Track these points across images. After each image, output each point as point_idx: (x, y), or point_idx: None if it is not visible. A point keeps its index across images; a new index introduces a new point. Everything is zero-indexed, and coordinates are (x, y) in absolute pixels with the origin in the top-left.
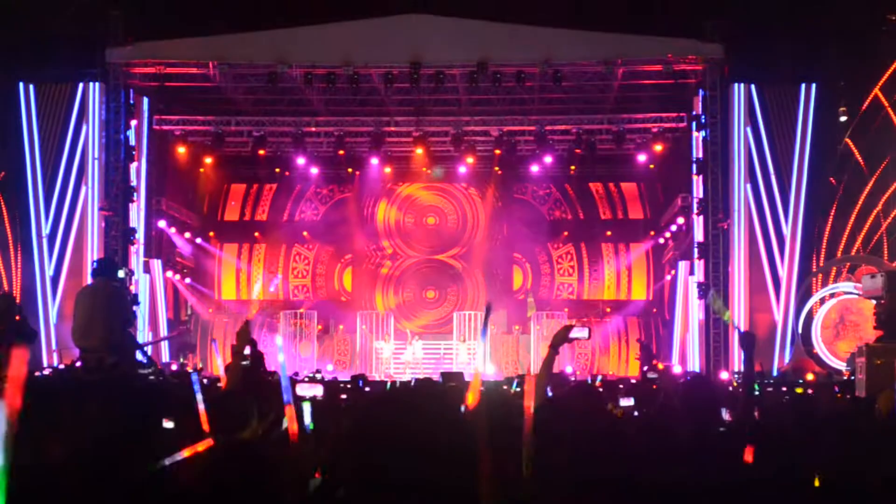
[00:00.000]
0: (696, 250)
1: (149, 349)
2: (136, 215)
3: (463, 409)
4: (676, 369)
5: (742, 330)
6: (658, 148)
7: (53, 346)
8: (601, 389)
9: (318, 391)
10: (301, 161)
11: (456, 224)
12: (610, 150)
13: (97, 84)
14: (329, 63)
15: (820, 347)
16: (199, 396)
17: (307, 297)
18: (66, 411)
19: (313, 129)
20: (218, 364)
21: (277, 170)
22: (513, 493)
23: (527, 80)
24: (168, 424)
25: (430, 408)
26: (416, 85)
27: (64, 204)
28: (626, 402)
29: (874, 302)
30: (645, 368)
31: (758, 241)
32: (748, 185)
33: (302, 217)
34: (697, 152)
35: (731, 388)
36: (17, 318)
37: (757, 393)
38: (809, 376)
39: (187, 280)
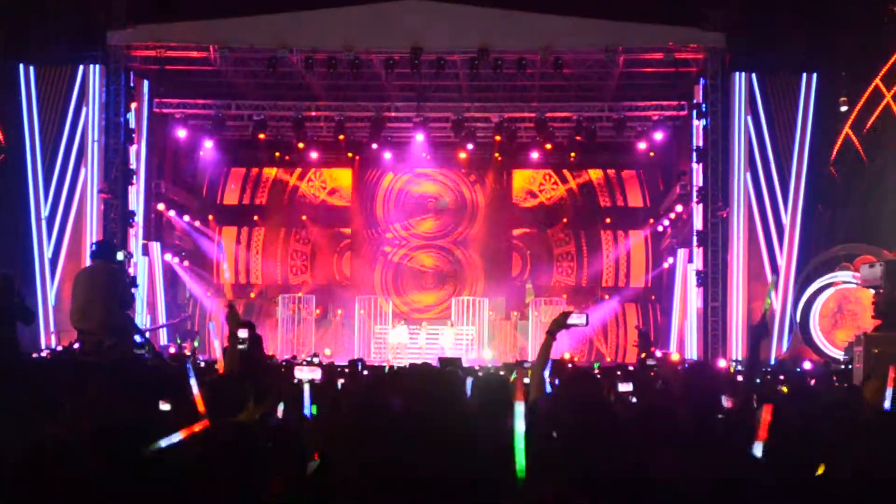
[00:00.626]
0: (695, 238)
1: (147, 333)
2: (136, 198)
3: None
4: (674, 356)
5: (762, 322)
6: (658, 136)
7: (52, 328)
8: (599, 376)
9: (316, 375)
10: (301, 145)
11: (455, 210)
12: (610, 138)
13: (97, 66)
14: (330, 48)
15: (818, 336)
16: (193, 381)
17: (305, 282)
18: (64, 392)
19: (313, 113)
20: (216, 347)
21: (277, 154)
22: (510, 479)
23: (527, 66)
24: (165, 406)
25: (427, 392)
26: (417, 71)
27: (63, 186)
28: (625, 387)
29: (872, 291)
30: (643, 355)
31: (757, 230)
32: (748, 174)
33: (301, 201)
34: (697, 140)
35: (730, 376)
36: (15, 298)
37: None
38: (807, 365)
39: (186, 263)
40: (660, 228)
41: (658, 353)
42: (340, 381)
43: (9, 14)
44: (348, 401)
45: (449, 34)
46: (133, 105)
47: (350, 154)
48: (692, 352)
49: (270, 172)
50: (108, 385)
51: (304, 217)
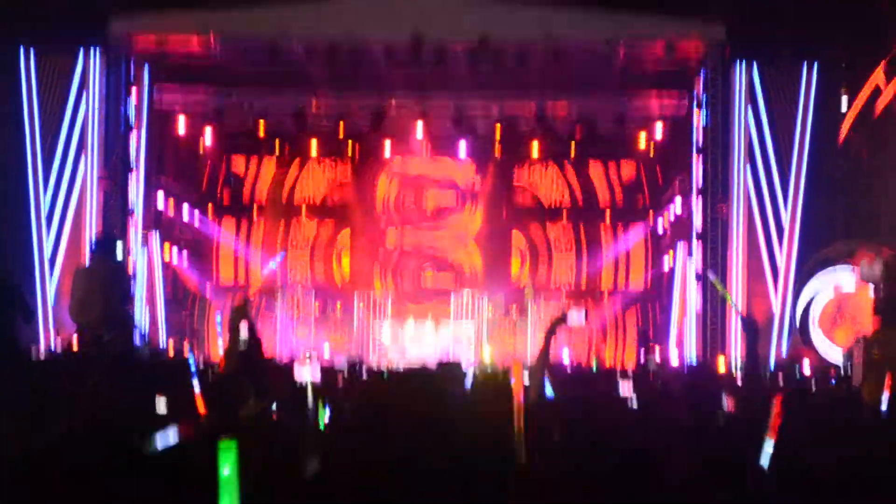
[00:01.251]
0: (693, 234)
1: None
2: (135, 187)
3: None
4: (673, 354)
5: (742, 315)
6: (659, 128)
7: (51, 325)
8: (598, 377)
9: (316, 375)
10: (301, 136)
11: (455, 204)
12: (610, 131)
13: (98, 53)
14: (330, 36)
15: (817, 337)
16: (196, 380)
17: (304, 277)
18: (62, 388)
19: (314, 102)
20: (218, 346)
21: (277, 144)
22: (509, 478)
23: (527, 57)
24: (161, 403)
25: (425, 398)
26: (418, 60)
27: (63, 175)
28: (625, 387)
29: (872, 289)
30: (643, 356)
31: (756, 226)
32: (748, 168)
33: (301, 194)
34: (698, 133)
35: (730, 377)
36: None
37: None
38: (806, 366)
39: (184, 253)
40: (659, 225)
41: (657, 353)
42: (341, 378)
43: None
44: (348, 405)
45: (450, 24)
46: (133, 92)
47: (350, 143)
48: (692, 350)
49: (270, 163)
50: (107, 379)
51: (303, 210)
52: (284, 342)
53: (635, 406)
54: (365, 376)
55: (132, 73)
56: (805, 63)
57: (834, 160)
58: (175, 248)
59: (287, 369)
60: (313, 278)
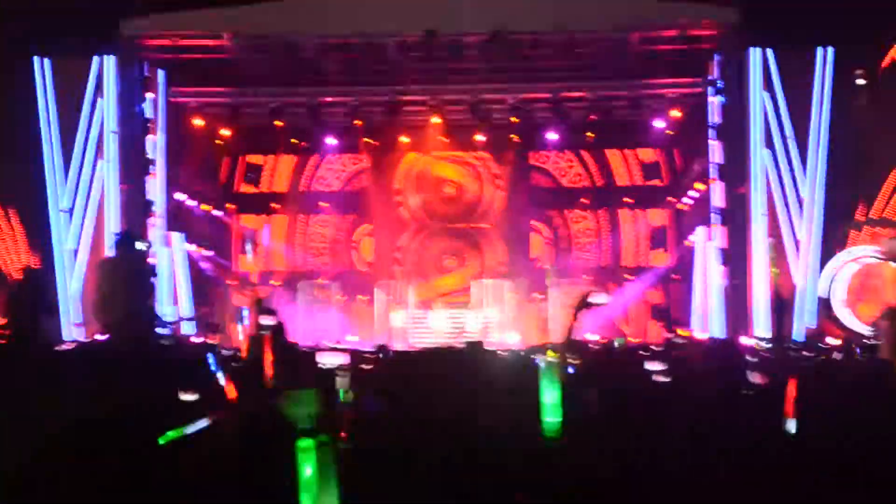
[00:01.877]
0: (713, 216)
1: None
2: (154, 188)
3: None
4: (698, 335)
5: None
6: (675, 114)
7: (74, 320)
8: (625, 355)
9: (342, 360)
10: (318, 131)
11: (474, 192)
12: (627, 117)
13: (112, 57)
14: (343, 33)
15: (842, 311)
16: (220, 374)
17: (326, 268)
18: (88, 382)
19: (329, 99)
20: (239, 334)
21: (294, 140)
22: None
23: (541, 47)
24: (187, 396)
25: (452, 375)
26: (431, 54)
27: (81, 178)
28: (652, 365)
29: (894, 265)
30: (667, 334)
31: (776, 207)
32: (766, 151)
33: (319, 187)
34: (714, 118)
35: (756, 352)
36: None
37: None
38: (832, 340)
39: (209, 253)
40: (679, 207)
41: (683, 332)
42: (366, 367)
43: (23, 7)
44: (375, 386)
45: (462, 16)
46: (149, 95)
47: (366, 139)
48: (715, 330)
49: (288, 159)
50: (132, 373)
51: (322, 203)
52: (308, 331)
53: (663, 381)
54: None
55: (147, 76)
56: (820, 47)
57: (851, 140)
58: (196, 245)
59: (312, 355)
60: (335, 269)
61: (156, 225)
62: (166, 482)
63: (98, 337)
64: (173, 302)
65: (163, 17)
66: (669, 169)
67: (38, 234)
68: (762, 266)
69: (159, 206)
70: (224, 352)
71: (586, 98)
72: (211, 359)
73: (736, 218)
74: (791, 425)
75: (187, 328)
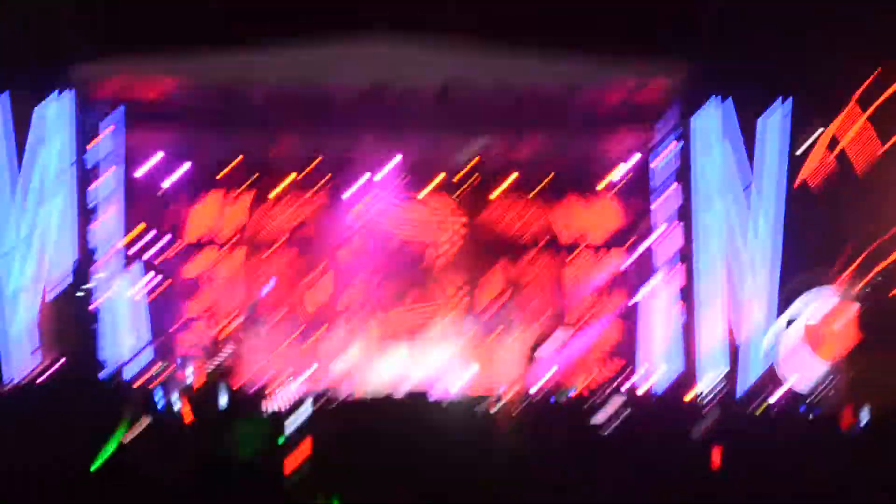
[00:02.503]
0: (668, 264)
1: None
2: (107, 227)
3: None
4: (647, 383)
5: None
6: (630, 163)
7: (20, 359)
8: (573, 404)
9: (293, 398)
10: (273, 171)
11: (429, 235)
12: (579, 170)
13: (66, 98)
14: (294, 83)
15: (794, 362)
16: (172, 406)
17: (280, 306)
18: (39, 418)
19: (283, 146)
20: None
21: (249, 183)
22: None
23: (491, 102)
24: (136, 429)
25: (397, 428)
26: (384, 104)
27: (36, 217)
28: (598, 419)
29: (854, 307)
30: (616, 383)
31: (733, 255)
32: (722, 199)
33: (275, 229)
34: (668, 168)
35: (698, 405)
36: None
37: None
38: (781, 392)
39: (158, 289)
40: (633, 256)
41: (629, 381)
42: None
43: None
44: (326, 433)
45: (412, 72)
46: (102, 135)
47: (321, 183)
48: (667, 377)
49: (246, 198)
50: (81, 408)
51: (277, 243)
52: (261, 369)
53: (608, 433)
54: (335, 404)
55: (101, 116)
56: (779, 97)
57: (808, 192)
58: (149, 285)
59: (262, 392)
60: (290, 308)
61: (107, 263)
62: None
63: (41, 377)
64: (124, 341)
65: (117, 60)
66: (623, 218)
67: None
68: (720, 317)
69: (111, 245)
70: (177, 387)
71: (540, 149)
72: (160, 395)
73: (690, 267)
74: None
75: (137, 366)
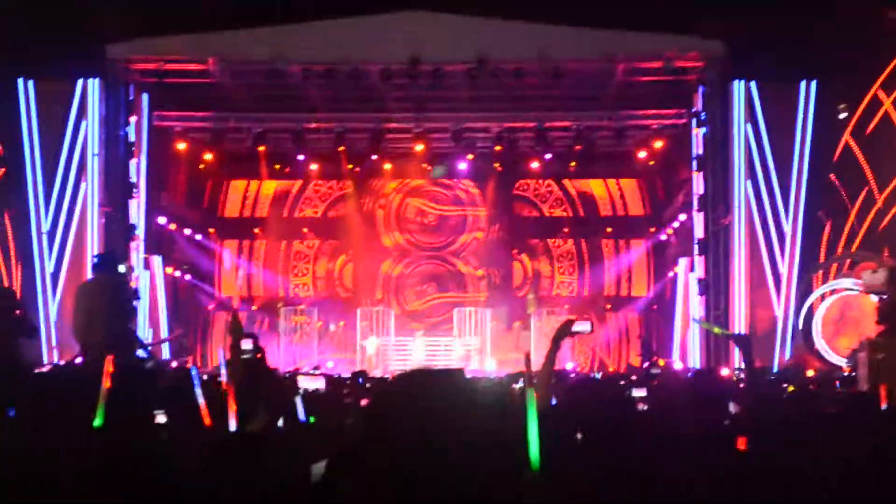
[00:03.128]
0: (696, 247)
1: (150, 346)
2: (136, 211)
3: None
4: (677, 365)
5: (737, 333)
6: (658, 144)
7: (54, 343)
8: (604, 384)
9: (319, 384)
10: (301, 157)
11: (456, 221)
12: (610, 147)
13: (96, 80)
14: (328, 59)
15: (820, 343)
16: (199, 391)
17: (306, 293)
18: (66, 404)
19: (313, 125)
20: (219, 359)
21: (277, 166)
22: (521, 486)
23: (525, 76)
24: (162, 418)
25: (432, 399)
26: (415, 82)
27: (64, 201)
28: (639, 392)
29: (875, 297)
30: (646, 364)
31: (758, 238)
32: (748, 182)
33: (302, 213)
34: (697, 149)
35: (733, 382)
36: (18, 312)
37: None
38: (810, 372)
39: (187, 276)
40: (662, 237)
41: (661, 362)
42: (345, 393)
43: (7, 28)
44: (353, 412)
45: (447, 45)
46: (132, 118)
47: (350, 165)
48: (695, 360)
49: (271, 184)
50: (110, 395)
51: (304, 229)
52: (288, 358)
53: (644, 409)
54: (368, 386)
55: (131, 99)
56: (803, 80)
57: (834, 173)
58: (177, 268)
59: (292, 381)
60: (315, 295)
61: (137, 248)
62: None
63: (77, 360)
64: (151, 325)
65: (148, 42)
66: (652, 200)
67: (19, 257)
68: (743, 297)
69: (140, 230)
70: (205, 375)
71: (570, 128)
72: (194, 373)
73: (717, 249)
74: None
75: (164, 351)
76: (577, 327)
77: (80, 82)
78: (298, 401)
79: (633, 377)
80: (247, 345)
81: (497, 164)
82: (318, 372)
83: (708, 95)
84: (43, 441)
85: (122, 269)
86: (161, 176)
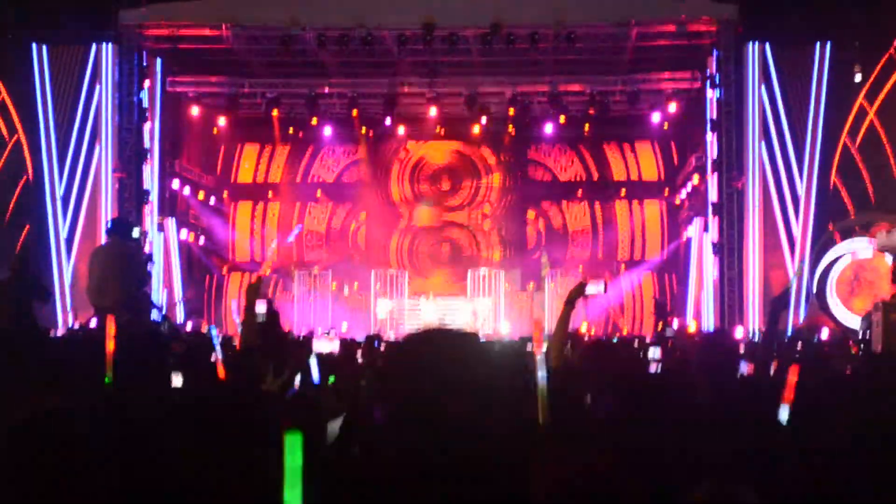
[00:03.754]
0: (710, 209)
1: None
2: (150, 176)
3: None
4: (691, 326)
5: (785, 293)
6: (672, 108)
7: (69, 307)
8: (618, 345)
9: (334, 347)
10: (314, 122)
11: (470, 184)
12: (624, 111)
13: (110, 45)
14: (342, 25)
15: (835, 304)
16: (219, 348)
17: (320, 256)
18: (78, 366)
19: (326, 90)
20: (234, 321)
21: (291, 130)
22: (530, 444)
23: (540, 41)
24: (178, 380)
25: (446, 358)
26: (429, 46)
27: (77, 165)
28: (654, 352)
29: (889, 258)
30: (660, 325)
31: (772, 200)
32: (762, 144)
33: (316, 177)
34: (711, 112)
35: (747, 343)
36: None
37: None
38: (825, 333)
39: (201, 240)
40: (676, 200)
41: (675, 324)
42: (359, 354)
43: None
44: (368, 374)
45: (461, 10)
46: (146, 84)
47: (363, 130)
48: (709, 321)
49: (284, 149)
50: (123, 357)
51: (318, 193)
52: (302, 320)
53: (658, 370)
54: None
55: (145, 65)
56: (818, 42)
57: (848, 135)
58: (191, 232)
59: (306, 342)
60: (329, 257)
61: (151, 212)
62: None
63: (92, 324)
64: (168, 287)
65: (161, 7)
66: (666, 163)
67: (33, 221)
68: (757, 258)
69: (154, 194)
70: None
71: (584, 92)
72: (214, 332)
73: (731, 211)
74: (784, 413)
75: (180, 313)
76: (590, 289)
77: (93, 47)
78: (313, 362)
79: (652, 336)
80: (261, 308)
81: (511, 128)
82: (332, 334)
83: (722, 58)
84: (56, 402)
85: (136, 233)
86: (175, 141)
